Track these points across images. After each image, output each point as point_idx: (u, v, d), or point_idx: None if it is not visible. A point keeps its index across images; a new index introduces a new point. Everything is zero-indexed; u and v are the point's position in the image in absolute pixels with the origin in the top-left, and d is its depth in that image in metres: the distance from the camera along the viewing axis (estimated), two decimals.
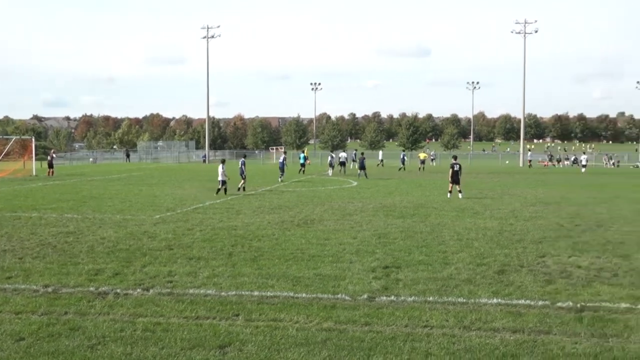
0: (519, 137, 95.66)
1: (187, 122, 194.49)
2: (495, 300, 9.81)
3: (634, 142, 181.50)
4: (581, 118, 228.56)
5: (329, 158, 50.31)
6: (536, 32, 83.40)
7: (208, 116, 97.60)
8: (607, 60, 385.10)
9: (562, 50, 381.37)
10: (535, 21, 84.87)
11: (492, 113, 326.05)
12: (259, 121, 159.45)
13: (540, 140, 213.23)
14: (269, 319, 8.80)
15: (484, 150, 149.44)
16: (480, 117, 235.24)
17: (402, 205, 24.50)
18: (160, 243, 15.15)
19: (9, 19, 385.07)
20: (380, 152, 75.26)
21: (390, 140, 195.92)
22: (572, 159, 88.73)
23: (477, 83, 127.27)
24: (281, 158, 43.80)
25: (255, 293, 10.26)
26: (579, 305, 9.52)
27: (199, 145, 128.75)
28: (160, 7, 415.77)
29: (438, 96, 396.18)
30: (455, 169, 28.44)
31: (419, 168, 56.87)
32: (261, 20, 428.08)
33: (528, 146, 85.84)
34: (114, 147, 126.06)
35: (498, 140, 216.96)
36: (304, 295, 10.15)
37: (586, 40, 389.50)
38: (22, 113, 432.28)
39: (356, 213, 21.57)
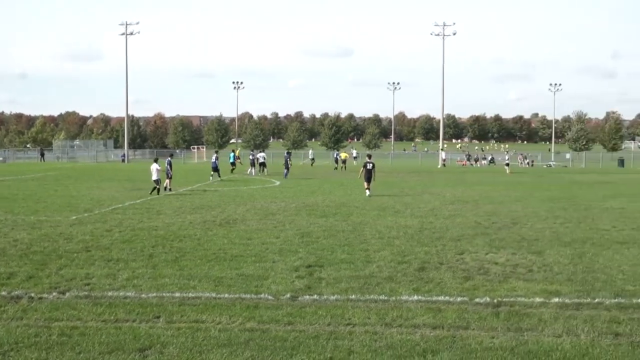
0: (438, 137, 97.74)
1: (105, 120, 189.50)
2: (415, 297, 9.97)
3: (547, 142, 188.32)
4: (497, 119, 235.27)
5: (250, 157, 49.85)
6: (454, 34, 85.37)
7: (127, 114, 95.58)
8: (522, 63, 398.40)
9: (480, 53, 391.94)
10: (454, 23, 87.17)
11: (413, 113, 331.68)
12: (180, 120, 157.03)
13: (459, 140, 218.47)
14: (190, 320, 8.67)
15: (404, 150, 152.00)
16: (401, 117, 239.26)
17: (324, 204, 24.63)
18: (77, 245, 14.71)
19: None
20: (311, 151, 75.34)
21: (313, 139, 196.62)
22: (489, 158, 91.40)
23: (398, 84, 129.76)
24: (213, 158, 43.47)
25: (177, 294, 10.10)
26: (495, 300, 9.79)
27: (117, 145, 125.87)
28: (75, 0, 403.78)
29: (360, 96, 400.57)
30: (368, 167, 29.00)
31: (341, 167, 57.48)
32: (182, 17, 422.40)
33: (439, 146, 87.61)
34: (27, 145, 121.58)
35: (418, 140, 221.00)
36: (226, 295, 10.05)
37: (502, 44, 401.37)
38: None
39: (279, 212, 21.55)
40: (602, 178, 48.20)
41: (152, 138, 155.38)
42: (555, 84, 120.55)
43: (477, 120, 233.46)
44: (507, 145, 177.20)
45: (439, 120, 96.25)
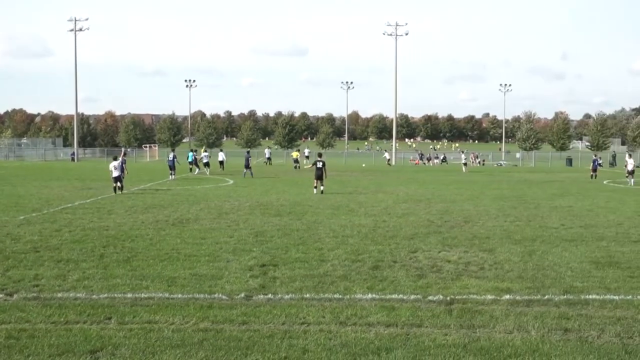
0: (391, 137, 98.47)
1: (53, 118, 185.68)
2: (370, 296, 10.02)
3: (498, 142, 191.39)
4: (450, 118, 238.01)
5: (203, 157, 49.16)
6: (407, 34, 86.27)
7: (77, 112, 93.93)
8: (474, 64, 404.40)
9: (432, 53, 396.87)
10: (406, 24, 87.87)
11: (366, 112, 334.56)
12: (131, 118, 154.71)
13: (412, 140, 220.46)
14: (143, 321, 8.55)
15: (358, 149, 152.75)
16: (355, 117, 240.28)
17: (278, 203, 24.59)
18: (25, 245, 14.37)
19: None
20: (267, 151, 75.12)
21: (267, 138, 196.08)
22: (442, 157, 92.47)
23: (352, 83, 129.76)
24: (170, 156, 43.02)
25: (129, 295, 9.95)
26: (448, 298, 9.90)
27: (67, 143, 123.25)
28: None
29: (314, 95, 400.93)
30: (318, 165, 29.26)
31: (294, 167, 57.50)
32: (134, 14, 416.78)
33: (379, 146, 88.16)
34: None
35: (372, 139, 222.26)
36: (179, 295, 9.95)
37: (454, 44, 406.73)
38: None
39: (233, 212, 21.42)
40: (550, 177, 49.21)
41: (103, 136, 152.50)
42: (506, 85, 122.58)
43: (430, 119, 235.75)
44: (457, 145, 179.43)
45: (392, 120, 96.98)
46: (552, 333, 8.16)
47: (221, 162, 53.12)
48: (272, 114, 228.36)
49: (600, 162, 49.58)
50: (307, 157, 76.92)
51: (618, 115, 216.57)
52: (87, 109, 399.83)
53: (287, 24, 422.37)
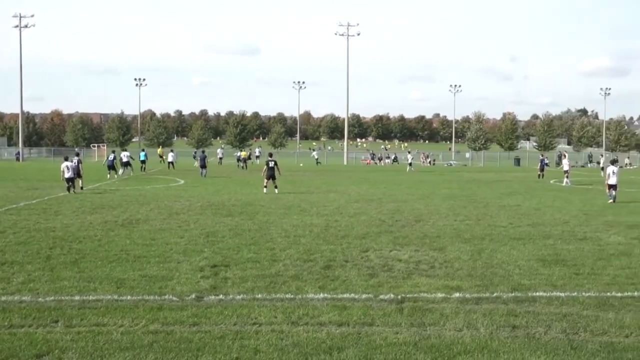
0: (343, 137, 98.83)
1: None
2: (321, 295, 10.03)
3: (448, 142, 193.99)
4: (401, 119, 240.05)
5: (123, 157, 45.83)
6: (358, 34, 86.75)
7: (22, 111, 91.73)
8: (424, 65, 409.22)
9: (384, 54, 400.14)
10: (358, 24, 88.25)
11: (318, 112, 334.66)
12: (79, 117, 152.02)
13: (363, 140, 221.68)
14: (91, 324, 8.38)
15: (310, 149, 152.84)
16: (307, 117, 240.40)
17: (230, 203, 24.44)
18: None
19: None
20: (220, 150, 74.55)
21: (218, 138, 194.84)
22: (393, 157, 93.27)
23: (303, 83, 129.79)
24: (111, 157, 42.46)
25: (76, 297, 9.74)
26: (399, 297, 9.96)
27: (11, 142, 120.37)
28: None
29: (266, 95, 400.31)
30: (270, 165, 29.43)
31: (242, 166, 57.22)
32: (82, 10, 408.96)
33: (315, 145, 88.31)
34: None
35: (323, 139, 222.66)
36: (129, 297, 9.79)
37: (406, 45, 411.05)
38: None
39: (183, 212, 21.21)
40: (499, 177, 50.09)
41: (50, 136, 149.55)
42: (456, 85, 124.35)
43: (381, 119, 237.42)
44: (406, 144, 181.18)
45: (344, 120, 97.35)
46: (500, 330, 8.29)
47: (171, 163, 53.42)
48: (223, 114, 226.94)
49: (547, 162, 50.76)
50: (258, 157, 76.71)
51: (564, 116, 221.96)
52: (33, 108, 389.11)
53: (239, 23, 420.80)
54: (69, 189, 28.33)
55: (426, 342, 7.78)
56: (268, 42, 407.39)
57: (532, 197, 28.77)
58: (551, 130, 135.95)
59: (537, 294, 10.23)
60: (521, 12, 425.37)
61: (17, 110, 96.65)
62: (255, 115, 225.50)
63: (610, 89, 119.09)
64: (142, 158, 51.34)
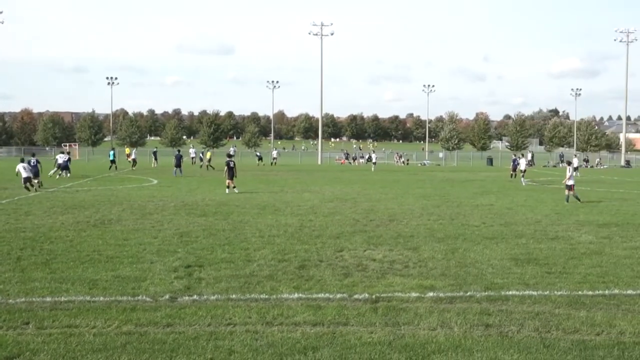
0: (317, 136, 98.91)
1: None
2: (296, 295, 10.02)
3: (422, 142, 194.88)
4: (375, 118, 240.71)
5: (58, 158, 43.38)
6: (332, 34, 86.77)
7: None
8: (398, 65, 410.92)
9: (358, 54, 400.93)
10: (332, 24, 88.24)
11: (292, 112, 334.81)
12: (49, 116, 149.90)
13: (337, 139, 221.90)
14: (63, 326, 8.28)
15: (284, 149, 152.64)
16: (281, 116, 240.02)
17: (204, 203, 24.32)
18: None
19: None
20: (192, 150, 74.05)
21: (192, 137, 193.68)
22: (367, 157, 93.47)
23: (277, 82, 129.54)
24: (65, 157, 42.10)
25: (48, 299, 9.62)
26: (374, 296, 9.99)
27: None
28: None
29: (239, 94, 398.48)
30: (230, 165, 29.49)
31: (207, 166, 57.04)
32: (53, 7, 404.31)
33: (304, 146, 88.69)
34: None
35: (297, 139, 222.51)
36: (101, 298, 9.69)
37: (380, 45, 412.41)
38: None
39: (157, 212, 21.05)
40: (472, 176, 50.45)
41: (20, 135, 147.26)
42: (429, 85, 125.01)
43: (355, 119, 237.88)
44: (375, 144, 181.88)
45: (318, 119, 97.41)
46: (474, 329, 8.36)
47: (134, 161, 53.97)
48: (196, 113, 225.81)
49: (519, 162, 51.20)
50: (232, 156, 76.45)
51: (536, 117, 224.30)
52: (2, 107, 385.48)
53: (214, 22, 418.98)
54: (27, 188, 28.61)
55: (400, 342, 7.81)
56: (242, 41, 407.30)
57: (505, 197, 29.03)
58: (523, 131, 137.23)
59: (510, 292, 10.32)
60: (495, 12, 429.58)
61: None
62: (229, 114, 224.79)
63: (581, 89, 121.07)
64: (111, 158, 51.57)
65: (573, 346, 7.71)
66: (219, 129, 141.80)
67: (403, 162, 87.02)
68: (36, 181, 30.11)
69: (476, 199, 27.57)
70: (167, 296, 9.84)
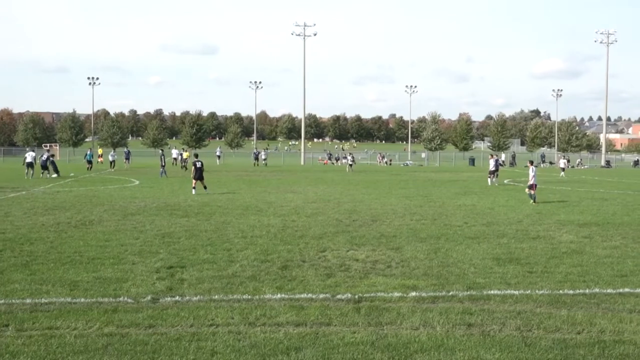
0: (300, 137, 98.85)
1: None
2: (279, 296, 10.00)
3: (404, 142, 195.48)
4: (358, 119, 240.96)
5: (27, 157, 42.51)
6: (315, 35, 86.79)
7: None
8: (381, 65, 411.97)
9: (341, 54, 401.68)
10: (314, 24, 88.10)
11: (275, 112, 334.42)
12: (30, 116, 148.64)
13: (320, 140, 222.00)
14: (43, 328, 8.20)
15: (266, 149, 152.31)
16: (263, 117, 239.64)
17: (186, 204, 24.22)
18: None
19: None
20: (175, 151, 73.66)
21: (174, 138, 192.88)
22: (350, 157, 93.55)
23: (260, 82, 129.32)
24: (44, 156, 41.87)
25: (28, 301, 9.53)
26: (356, 296, 10.00)
27: None
28: None
29: (222, 94, 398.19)
30: (197, 166, 29.47)
31: (182, 167, 56.87)
32: (34, 6, 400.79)
33: (286, 146, 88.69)
34: None
35: (280, 139, 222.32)
36: (82, 300, 9.61)
37: (363, 45, 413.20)
38: None
39: (138, 213, 20.94)
40: (454, 176, 50.66)
41: None
42: (412, 86, 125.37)
43: (338, 120, 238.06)
44: (355, 144, 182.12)
45: (301, 120, 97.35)
46: (456, 328, 8.39)
47: (112, 162, 54.20)
48: (179, 113, 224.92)
49: (501, 162, 51.53)
50: (219, 156, 76.35)
51: (517, 117, 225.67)
52: None
53: (197, 22, 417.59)
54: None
55: (383, 341, 7.82)
56: (226, 41, 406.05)
57: (487, 197, 29.18)
58: (505, 131, 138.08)
59: (492, 292, 10.37)
60: (478, 13, 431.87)
61: None
62: (212, 115, 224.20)
63: (562, 90, 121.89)
64: (88, 158, 51.84)
65: (554, 345, 7.76)
66: (201, 130, 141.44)
67: (386, 162, 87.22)
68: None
69: (458, 199, 27.69)
70: (149, 297, 9.79)
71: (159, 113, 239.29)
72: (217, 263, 12.51)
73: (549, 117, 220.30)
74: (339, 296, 10.02)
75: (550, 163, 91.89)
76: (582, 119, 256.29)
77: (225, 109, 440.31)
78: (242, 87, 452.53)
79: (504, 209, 23.75)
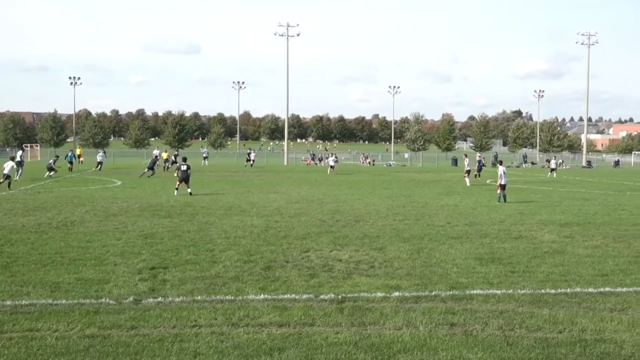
0: (283, 137, 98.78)
1: None
2: (262, 296, 9.99)
3: (387, 143, 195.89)
4: (341, 119, 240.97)
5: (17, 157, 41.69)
6: (298, 35, 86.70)
7: None
8: (365, 66, 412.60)
9: (324, 54, 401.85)
10: (297, 25, 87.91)
11: (258, 113, 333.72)
12: (10, 116, 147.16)
13: (303, 140, 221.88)
14: (24, 329, 8.13)
15: (250, 149, 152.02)
16: (246, 117, 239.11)
17: (169, 204, 24.10)
18: None
19: None
20: (156, 152, 73.33)
21: (156, 138, 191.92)
22: (333, 157, 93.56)
23: (243, 83, 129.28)
24: (18, 156, 41.52)
25: (8, 302, 9.44)
26: (340, 296, 10.01)
27: None
28: None
29: (205, 95, 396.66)
30: (183, 168, 29.27)
31: (164, 167, 56.52)
32: (12, 5, 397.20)
33: (269, 147, 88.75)
34: None
35: (263, 140, 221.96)
36: (64, 301, 9.54)
37: (346, 46, 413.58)
38: None
39: (121, 213, 20.81)
40: (437, 177, 50.84)
41: None
42: (395, 86, 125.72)
43: (321, 120, 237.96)
44: (335, 145, 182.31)
45: (284, 120, 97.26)
46: (439, 328, 8.42)
47: (100, 163, 53.83)
48: (161, 113, 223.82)
49: (484, 162, 51.78)
50: (206, 157, 76.05)
51: (499, 117, 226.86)
52: None
53: (178, 22, 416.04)
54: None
55: (366, 342, 7.83)
56: (209, 41, 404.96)
57: (469, 197, 29.31)
58: (487, 131, 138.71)
59: (474, 292, 10.43)
60: (463, 13, 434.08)
61: None
62: (195, 115, 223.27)
63: (544, 91, 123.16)
64: (69, 159, 51.93)
65: (536, 344, 7.81)
66: (184, 130, 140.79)
67: (369, 162, 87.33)
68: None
69: (441, 199, 27.79)
70: (131, 298, 9.73)
71: (141, 113, 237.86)
72: (200, 264, 12.47)
73: (530, 118, 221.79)
74: (322, 296, 10.02)
75: (532, 163, 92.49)
76: (564, 120, 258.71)
77: (208, 109, 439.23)
78: (226, 87, 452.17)
79: (486, 209, 23.87)
